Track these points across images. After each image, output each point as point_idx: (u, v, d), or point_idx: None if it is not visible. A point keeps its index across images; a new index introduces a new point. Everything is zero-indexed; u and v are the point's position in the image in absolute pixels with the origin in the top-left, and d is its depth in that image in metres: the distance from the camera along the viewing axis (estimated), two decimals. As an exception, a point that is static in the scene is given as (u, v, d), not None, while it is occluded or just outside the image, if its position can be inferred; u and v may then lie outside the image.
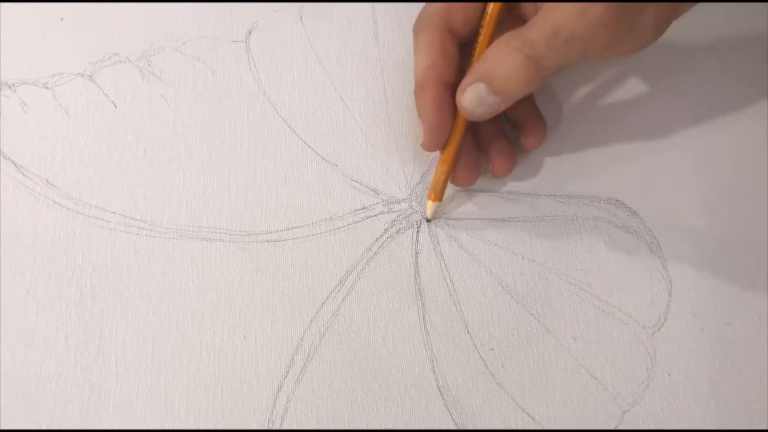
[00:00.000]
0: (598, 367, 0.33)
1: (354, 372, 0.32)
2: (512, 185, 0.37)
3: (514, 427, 0.31)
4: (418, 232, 0.35)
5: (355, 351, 0.32)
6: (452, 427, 0.31)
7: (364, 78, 0.39)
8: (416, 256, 0.35)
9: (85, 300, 0.32)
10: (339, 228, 0.35)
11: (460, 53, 0.34)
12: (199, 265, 0.33)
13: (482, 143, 0.36)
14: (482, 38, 0.34)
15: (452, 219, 0.36)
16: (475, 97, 0.32)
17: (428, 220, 0.35)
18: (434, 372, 0.32)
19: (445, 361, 0.32)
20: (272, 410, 0.31)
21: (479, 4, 0.34)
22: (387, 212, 0.35)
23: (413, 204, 0.36)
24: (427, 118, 0.33)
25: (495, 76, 0.31)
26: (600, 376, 0.33)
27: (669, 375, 0.33)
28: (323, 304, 0.33)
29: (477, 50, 0.34)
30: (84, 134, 0.36)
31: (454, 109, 0.33)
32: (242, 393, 0.31)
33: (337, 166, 0.36)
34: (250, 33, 0.39)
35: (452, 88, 0.33)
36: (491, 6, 0.34)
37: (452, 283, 0.34)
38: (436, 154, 0.35)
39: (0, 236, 0.33)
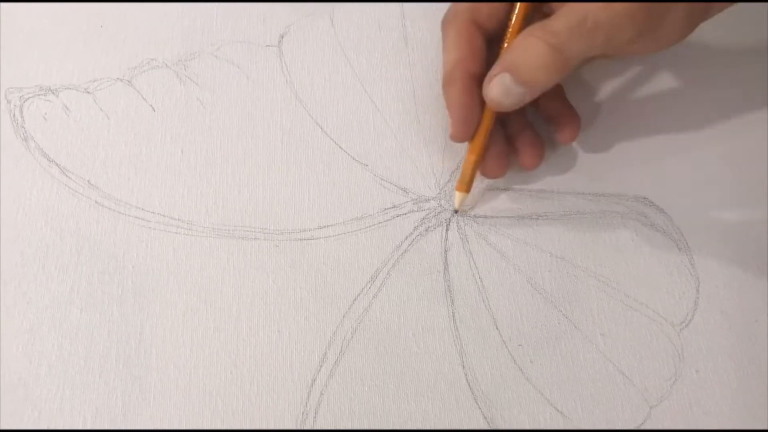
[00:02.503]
0: (625, 363, 0.33)
1: (385, 366, 0.33)
2: (540, 183, 0.37)
3: (543, 422, 0.32)
4: (447, 230, 0.36)
5: (386, 346, 0.33)
6: (481, 420, 0.32)
7: (394, 79, 0.39)
8: (445, 254, 0.35)
9: (127, 296, 0.33)
10: (369, 226, 0.36)
11: (488, 48, 0.35)
12: (235, 262, 0.34)
13: (510, 136, 0.36)
14: (510, 33, 0.34)
15: (481, 217, 0.36)
16: (501, 88, 0.32)
17: (456, 212, 0.36)
18: (464, 367, 0.33)
19: (475, 356, 0.33)
20: (306, 403, 0.32)
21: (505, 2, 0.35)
22: (416, 211, 0.36)
23: (442, 202, 0.36)
24: (455, 109, 0.34)
25: (520, 66, 0.32)
26: (628, 372, 0.33)
27: (697, 371, 0.33)
28: (355, 300, 0.34)
29: (504, 45, 0.35)
30: (124, 137, 0.37)
31: (481, 100, 0.34)
32: (277, 386, 0.32)
33: (367, 165, 0.37)
34: (282, 38, 0.40)
35: (480, 80, 0.34)
36: (519, 3, 0.34)
37: (481, 280, 0.35)
38: (466, 149, 0.36)
39: (45, 235, 0.34)
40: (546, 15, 0.35)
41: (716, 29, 0.38)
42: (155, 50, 0.39)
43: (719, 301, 0.34)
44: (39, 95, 0.38)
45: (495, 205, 0.37)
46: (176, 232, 0.35)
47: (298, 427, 0.31)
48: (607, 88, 0.39)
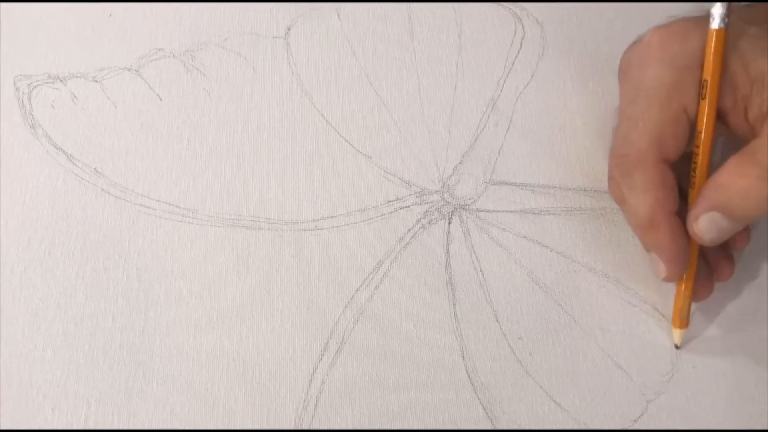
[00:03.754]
0: (623, 358, 0.34)
1: (386, 356, 0.33)
2: (542, 179, 0.37)
3: (541, 414, 0.32)
4: (449, 223, 0.36)
5: (387, 337, 0.33)
6: (480, 411, 0.32)
7: (399, 73, 0.40)
8: (447, 247, 0.36)
9: (132, 283, 0.34)
10: (372, 218, 0.36)
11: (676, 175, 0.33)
12: (239, 251, 0.35)
13: (704, 254, 0.35)
14: (700, 162, 0.33)
15: (483, 211, 0.37)
16: (710, 227, 0.31)
17: (677, 347, 0.34)
18: (464, 359, 0.33)
19: (475, 348, 0.33)
20: (307, 391, 0.32)
21: (687, 122, 0.33)
22: (419, 203, 0.36)
23: (445, 196, 0.37)
24: (668, 253, 0.32)
25: (735, 206, 0.30)
26: (626, 366, 0.33)
27: (694, 367, 0.33)
28: (357, 291, 0.34)
29: (697, 173, 0.33)
30: (131, 126, 0.37)
31: (687, 235, 0.32)
32: (279, 374, 0.32)
33: (371, 158, 0.37)
34: (289, 29, 0.40)
35: (679, 215, 0.32)
36: (704, 125, 0.32)
37: (482, 274, 0.35)
38: (468, 145, 0.36)
39: (52, 222, 0.35)
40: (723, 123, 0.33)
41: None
42: (163, 40, 0.40)
43: (717, 296, 0.35)
44: (47, 83, 0.38)
45: (498, 200, 0.37)
46: (181, 221, 0.35)
47: (299, 414, 0.31)
48: (608, 86, 0.40)
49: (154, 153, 0.37)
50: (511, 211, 0.37)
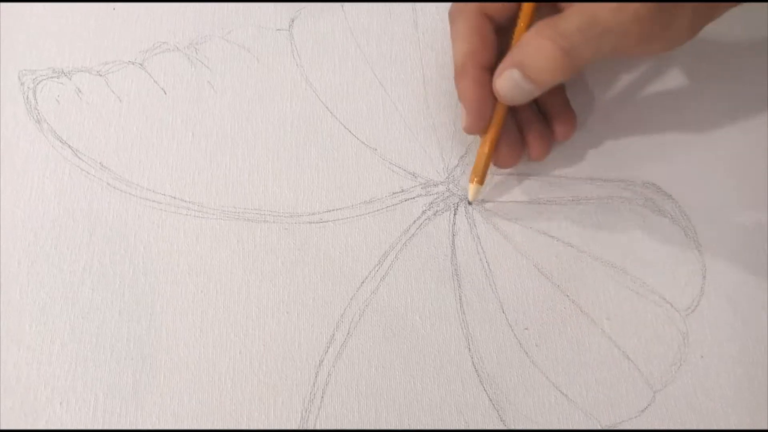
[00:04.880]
0: (631, 348, 0.33)
1: (392, 348, 0.33)
2: (549, 169, 0.37)
3: (548, 405, 0.32)
4: (455, 214, 0.36)
5: (393, 328, 0.33)
6: (487, 403, 0.32)
7: (403, 64, 0.40)
8: (453, 238, 0.35)
9: (138, 277, 0.34)
10: (378, 210, 0.36)
11: (498, 38, 0.35)
12: (244, 244, 0.35)
13: (520, 127, 0.36)
14: (518, 28, 0.34)
15: (489, 202, 0.36)
16: (509, 83, 0.32)
17: (470, 203, 0.36)
18: (470, 350, 0.33)
19: (481, 339, 0.33)
20: (314, 383, 0.32)
21: None
22: (425, 195, 0.36)
23: (450, 187, 0.37)
24: (469, 102, 0.34)
25: (529, 65, 0.32)
26: (633, 356, 0.33)
27: (702, 356, 0.33)
28: (362, 283, 0.34)
29: (514, 38, 0.34)
30: (135, 119, 0.37)
31: (491, 90, 0.34)
32: (285, 366, 0.32)
33: (376, 150, 0.37)
34: (293, 21, 0.40)
35: (491, 71, 0.34)
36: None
37: (488, 265, 0.35)
38: (475, 137, 0.36)
39: (58, 216, 0.35)
40: (554, 6, 0.35)
41: (724, 27, 0.37)
42: (167, 33, 0.40)
43: (726, 287, 0.34)
44: (52, 78, 0.38)
45: (503, 190, 0.37)
46: (186, 214, 0.35)
47: (306, 406, 0.32)
48: (619, 79, 0.39)
49: (159, 146, 0.37)
50: (516, 202, 0.36)
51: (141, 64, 0.39)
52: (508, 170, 0.37)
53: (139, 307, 0.33)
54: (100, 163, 0.36)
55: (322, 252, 0.35)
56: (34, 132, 0.37)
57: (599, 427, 0.32)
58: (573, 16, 0.31)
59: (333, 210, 0.36)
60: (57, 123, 0.37)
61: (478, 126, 0.34)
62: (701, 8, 0.31)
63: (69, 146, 0.36)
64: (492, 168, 0.36)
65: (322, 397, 0.32)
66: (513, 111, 0.36)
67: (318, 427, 0.31)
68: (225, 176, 0.36)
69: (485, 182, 0.36)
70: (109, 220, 0.35)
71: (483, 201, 0.36)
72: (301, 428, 0.31)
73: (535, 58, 0.32)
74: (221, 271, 0.34)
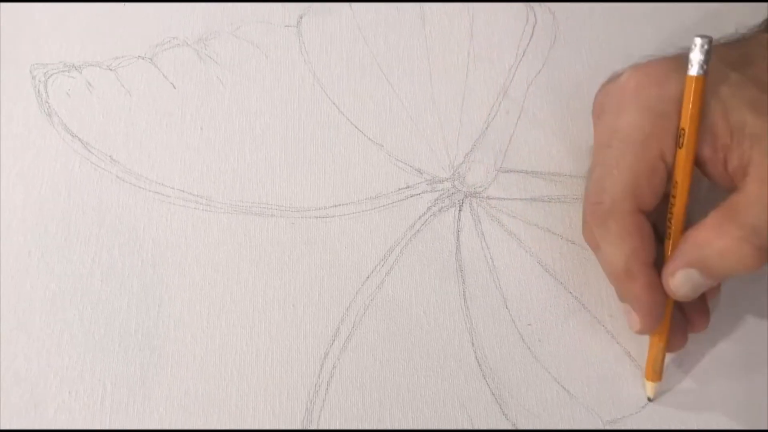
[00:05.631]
0: (632, 345, 0.34)
1: (396, 342, 0.33)
2: (553, 167, 0.37)
3: (550, 400, 0.32)
4: (459, 210, 0.36)
5: (397, 323, 0.34)
6: (489, 397, 0.32)
7: (410, 61, 0.40)
8: (458, 234, 0.36)
9: (146, 269, 0.34)
10: (384, 206, 0.36)
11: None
12: (251, 238, 0.35)
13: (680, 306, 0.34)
14: (676, 213, 0.31)
15: (493, 199, 0.37)
16: (689, 284, 0.30)
17: (650, 400, 0.33)
18: (473, 345, 0.33)
19: (484, 334, 0.34)
20: (319, 375, 0.32)
21: (664, 170, 0.31)
22: (430, 191, 0.37)
23: (456, 183, 0.37)
24: (643, 307, 0.31)
25: (713, 264, 0.29)
26: (635, 353, 0.34)
27: (703, 354, 0.34)
28: (368, 277, 0.35)
29: (673, 224, 0.32)
30: (145, 113, 0.38)
31: (663, 288, 0.31)
32: (291, 358, 0.33)
33: (382, 146, 0.38)
34: (301, 18, 0.41)
35: (655, 263, 0.31)
36: (681, 175, 0.31)
37: (492, 261, 0.35)
38: (479, 132, 0.36)
39: (68, 208, 0.35)
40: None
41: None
42: (177, 29, 0.40)
43: (726, 287, 0.35)
44: (63, 72, 0.38)
45: (508, 188, 0.37)
46: (195, 208, 0.36)
47: (311, 399, 0.32)
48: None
49: (168, 140, 0.37)
50: (521, 199, 0.37)
51: (151, 59, 0.39)
52: (513, 168, 0.37)
53: (147, 298, 0.34)
54: (109, 156, 0.37)
55: (328, 246, 0.35)
56: (45, 125, 0.37)
57: (600, 422, 0.32)
58: (755, 209, 0.29)
59: (339, 205, 0.36)
60: (67, 116, 0.37)
61: (654, 327, 0.32)
62: None
63: (79, 139, 0.37)
64: (499, 165, 0.37)
65: (327, 389, 0.32)
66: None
67: (323, 419, 0.32)
68: (233, 170, 0.37)
69: (485, 181, 0.35)
70: (119, 213, 0.35)
71: (488, 198, 0.37)
72: (304, 421, 0.32)
73: (722, 258, 0.29)
74: (228, 264, 0.34)
